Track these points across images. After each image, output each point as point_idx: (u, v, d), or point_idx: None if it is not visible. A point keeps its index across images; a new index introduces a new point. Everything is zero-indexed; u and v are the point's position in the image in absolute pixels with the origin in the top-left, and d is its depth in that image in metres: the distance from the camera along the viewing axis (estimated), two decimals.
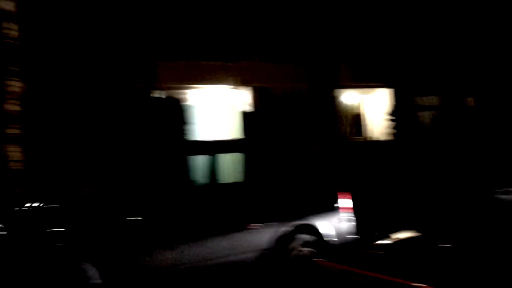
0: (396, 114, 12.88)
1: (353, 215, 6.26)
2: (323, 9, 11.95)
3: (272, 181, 6.09)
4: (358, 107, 13.67)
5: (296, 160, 6.36)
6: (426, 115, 13.97)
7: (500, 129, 12.20)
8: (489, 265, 3.01)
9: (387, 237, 4.09)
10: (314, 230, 5.95)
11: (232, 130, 11.34)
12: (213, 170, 5.90)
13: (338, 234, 6.07)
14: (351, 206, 6.28)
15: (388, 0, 12.70)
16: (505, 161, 9.03)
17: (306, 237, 5.89)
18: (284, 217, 5.86)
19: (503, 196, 9.09)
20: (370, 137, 13.31)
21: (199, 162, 6.53)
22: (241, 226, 5.66)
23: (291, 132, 10.51)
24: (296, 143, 7.03)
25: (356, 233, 6.14)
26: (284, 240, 5.77)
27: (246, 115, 11.18)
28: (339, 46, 12.19)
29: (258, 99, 11.25)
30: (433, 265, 3.21)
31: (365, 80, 12.81)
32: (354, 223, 6.25)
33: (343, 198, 6.25)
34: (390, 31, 12.79)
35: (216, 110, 11.24)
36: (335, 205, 6.20)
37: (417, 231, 4.19)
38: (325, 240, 5.97)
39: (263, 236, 5.70)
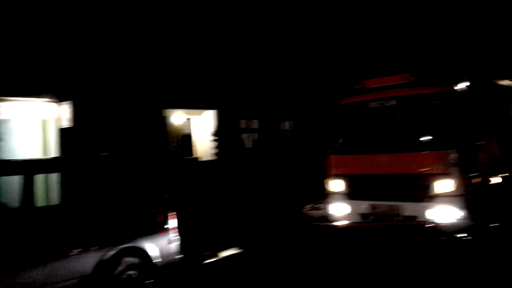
0: (220, 135, 13.52)
1: (179, 234, 6.33)
2: (154, 32, 11.99)
3: (94, 203, 5.82)
4: (187, 128, 13.95)
5: (121, 181, 6.18)
6: (247, 137, 14.98)
7: (311, 150, 13.75)
8: (308, 277, 3.38)
9: (214, 255, 4.28)
10: (141, 252, 5.85)
11: (48, 147, 10.46)
12: (27, 192, 5.37)
13: (167, 255, 6.07)
14: (177, 225, 6.36)
15: (215, 28, 13.37)
16: (316, 179, 10.20)
17: (132, 260, 5.77)
18: (108, 240, 5.64)
19: (312, 212, 10.22)
20: (200, 156, 13.66)
21: (11, 183, 5.89)
22: (61, 252, 5.28)
23: (115, 150, 10.16)
24: (121, 161, 6.84)
25: (185, 253, 6.22)
26: (109, 264, 5.56)
27: (64, 132, 10.41)
28: (167, 66, 12.32)
29: (77, 115, 10.57)
30: (257, 277, 3.47)
31: (192, 101, 13.17)
32: (180, 243, 6.32)
33: (172, 218, 6.29)
34: (216, 57, 13.46)
35: (31, 126, 10.26)
36: (165, 226, 6.20)
37: (240, 247, 4.49)
38: (154, 262, 5.92)
39: (86, 261, 5.40)
